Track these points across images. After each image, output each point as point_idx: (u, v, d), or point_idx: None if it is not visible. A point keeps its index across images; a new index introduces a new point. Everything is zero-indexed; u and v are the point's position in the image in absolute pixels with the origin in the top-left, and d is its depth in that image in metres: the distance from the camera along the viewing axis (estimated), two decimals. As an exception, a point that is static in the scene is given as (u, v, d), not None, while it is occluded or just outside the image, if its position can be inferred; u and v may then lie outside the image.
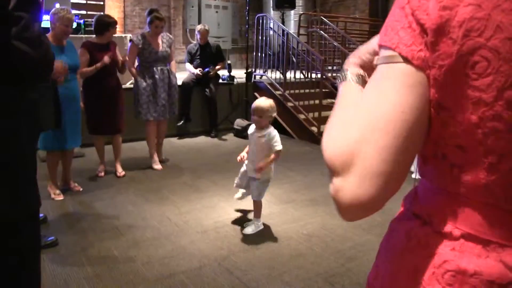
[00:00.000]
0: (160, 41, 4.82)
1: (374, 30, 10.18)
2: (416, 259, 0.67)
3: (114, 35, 4.54)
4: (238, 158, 3.32)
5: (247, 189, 3.40)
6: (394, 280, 0.70)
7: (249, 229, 3.31)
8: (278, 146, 3.14)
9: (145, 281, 2.61)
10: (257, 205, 3.36)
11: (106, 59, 4.27)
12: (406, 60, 0.63)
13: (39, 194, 1.44)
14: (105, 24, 4.38)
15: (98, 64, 4.27)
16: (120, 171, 4.65)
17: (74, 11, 7.87)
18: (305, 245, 3.15)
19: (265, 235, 3.31)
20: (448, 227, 0.65)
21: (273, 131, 3.18)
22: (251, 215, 3.54)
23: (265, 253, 3.03)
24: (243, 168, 3.34)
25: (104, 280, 2.62)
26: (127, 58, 4.65)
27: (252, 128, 3.24)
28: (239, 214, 3.69)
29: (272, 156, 3.15)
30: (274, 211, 3.78)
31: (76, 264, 2.80)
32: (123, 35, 7.30)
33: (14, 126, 1.28)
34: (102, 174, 4.63)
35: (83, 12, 8.78)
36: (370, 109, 0.63)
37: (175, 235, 3.26)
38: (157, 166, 4.92)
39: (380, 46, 0.67)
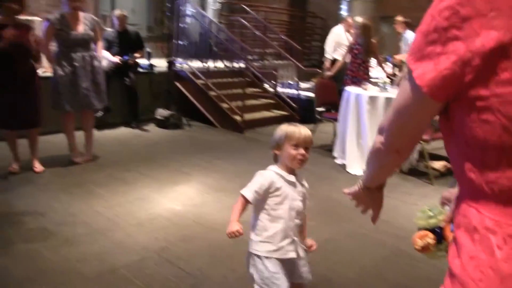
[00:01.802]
0: (81, 23, 4.42)
1: (293, 20, 10.43)
2: None
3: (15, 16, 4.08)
4: (232, 234, 1.88)
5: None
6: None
7: None
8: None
9: (84, 279, 2.49)
10: None
11: None
12: (418, 88, 0.79)
13: None
14: None
15: None
16: (38, 166, 4.33)
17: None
18: (243, 230, 3.16)
19: (202, 224, 3.29)
20: None
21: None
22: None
23: (204, 241, 3.02)
24: (267, 261, 1.90)
25: (37, 283, 2.45)
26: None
27: (282, 178, 1.93)
28: (172, 205, 3.63)
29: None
30: (207, 200, 3.78)
31: (2, 270, 2.58)
32: (28, 17, 6.71)
33: None
34: (17, 171, 4.28)
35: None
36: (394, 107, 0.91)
37: (109, 230, 3.13)
38: (78, 159, 4.65)
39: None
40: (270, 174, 1.92)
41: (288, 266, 1.96)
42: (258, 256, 1.92)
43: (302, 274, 2.03)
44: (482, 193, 0.76)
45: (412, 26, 7.05)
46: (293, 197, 1.94)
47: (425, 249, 1.00)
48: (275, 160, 1.98)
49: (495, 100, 0.70)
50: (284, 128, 1.93)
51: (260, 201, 1.92)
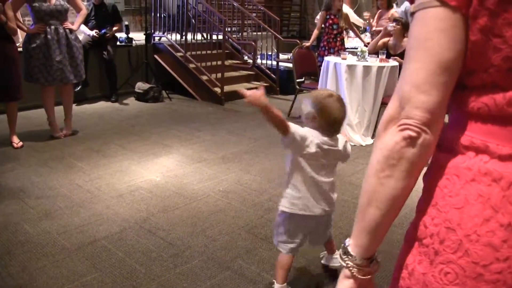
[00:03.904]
0: None
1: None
2: (479, 187, 0.72)
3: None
4: None
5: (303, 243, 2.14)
6: (462, 214, 0.73)
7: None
8: None
9: (65, 251, 2.52)
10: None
11: None
12: (442, 2, 0.69)
13: None
14: None
15: None
16: (16, 141, 4.29)
17: None
18: (223, 201, 3.23)
19: (182, 194, 3.33)
20: (508, 150, 0.71)
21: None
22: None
23: (185, 211, 3.06)
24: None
25: (17, 256, 2.46)
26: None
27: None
28: (153, 177, 3.65)
29: None
30: (188, 171, 3.80)
31: (-17, 242, 2.60)
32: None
33: None
34: (-5, 146, 4.25)
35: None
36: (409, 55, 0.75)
37: (89, 202, 3.15)
38: (58, 133, 4.62)
39: None
40: None
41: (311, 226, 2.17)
42: None
43: (327, 232, 2.26)
44: (461, 115, 0.77)
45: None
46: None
47: None
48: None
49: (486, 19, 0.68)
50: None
51: None
